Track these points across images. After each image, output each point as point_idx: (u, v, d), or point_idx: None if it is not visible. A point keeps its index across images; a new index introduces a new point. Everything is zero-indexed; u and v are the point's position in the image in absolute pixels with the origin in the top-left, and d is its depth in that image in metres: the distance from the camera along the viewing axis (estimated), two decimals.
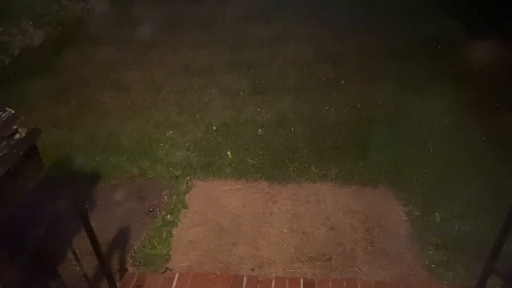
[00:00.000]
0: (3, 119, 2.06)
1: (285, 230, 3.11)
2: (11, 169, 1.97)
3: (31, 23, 5.39)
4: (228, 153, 3.86)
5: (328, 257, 2.87)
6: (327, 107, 4.44)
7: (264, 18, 6.42)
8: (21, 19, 5.26)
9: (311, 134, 4.06)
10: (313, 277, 2.73)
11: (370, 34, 5.84)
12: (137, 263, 2.89)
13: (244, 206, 3.33)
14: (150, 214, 3.32)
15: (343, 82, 4.83)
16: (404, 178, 3.49)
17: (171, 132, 4.16)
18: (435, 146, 3.76)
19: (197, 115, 4.42)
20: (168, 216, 3.26)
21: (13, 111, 2.15)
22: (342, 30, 5.95)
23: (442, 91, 4.53)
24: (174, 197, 3.45)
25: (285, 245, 2.99)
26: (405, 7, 6.55)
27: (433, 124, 4.04)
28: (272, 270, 2.80)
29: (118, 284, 2.66)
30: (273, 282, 2.68)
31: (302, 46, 5.59)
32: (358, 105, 4.42)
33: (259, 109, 4.48)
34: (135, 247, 3.01)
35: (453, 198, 3.23)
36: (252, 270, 2.80)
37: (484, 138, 3.85)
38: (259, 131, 4.15)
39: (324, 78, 4.91)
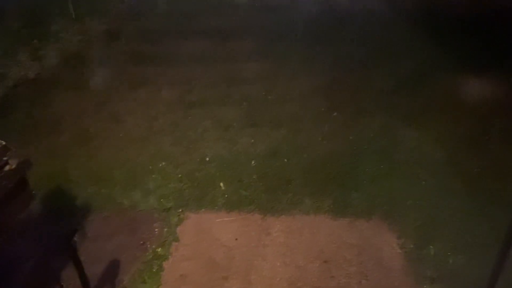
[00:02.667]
0: None
1: (278, 264, 3.07)
2: (0, 201, 1.95)
3: (27, 55, 5.45)
4: (221, 184, 3.85)
5: None
6: (320, 139, 4.47)
7: (258, 53, 6.53)
8: (18, 51, 5.32)
9: (305, 165, 4.07)
10: None
11: (361, 68, 5.94)
12: None
13: (236, 239, 3.29)
14: (140, 247, 3.26)
15: (335, 114, 4.88)
16: (398, 210, 3.48)
17: (163, 163, 4.15)
18: (427, 178, 3.78)
19: (191, 146, 4.42)
20: (159, 250, 3.20)
21: (4, 143, 2.15)
22: (334, 64, 6.06)
23: (433, 124, 4.58)
24: (166, 229, 3.41)
25: (278, 279, 2.94)
26: (396, 42, 6.73)
27: (425, 157, 4.07)
28: None
29: None
30: None
31: (295, 80, 5.67)
32: (351, 137, 4.45)
33: (252, 140, 4.50)
34: (124, 282, 2.94)
35: (447, 231, 3.22)
36: None
37: (475, 170, 3.87)
38: (253, 162, 4.15)
39: (317, 111, 4.96)
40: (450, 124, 4.59)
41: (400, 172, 3.89)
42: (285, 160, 4.15)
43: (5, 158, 2.05)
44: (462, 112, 4.79)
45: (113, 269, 3.04)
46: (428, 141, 4.31)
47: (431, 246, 3.11)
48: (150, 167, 4.12)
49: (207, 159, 4.19)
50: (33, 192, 2.84)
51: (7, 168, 2.01)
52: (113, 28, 7.58)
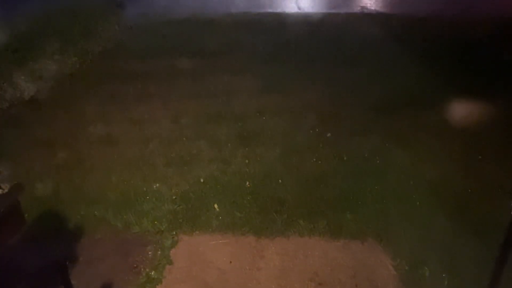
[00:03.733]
0: None
1: (273, 287, 3.04)
2: None
3: (22, 77, 5.47)
4: (215, 206, 3.84)
5: None
6: (314, 159, 4.48)
7: (252, 73, 6.60)
8: (13, 72, 5.34)
9: (299, 186, 4.07)
10: None
11: (354, 88, 6.02)
12: None
13: (230, 262, 3.26)
14: (133, 270, 3.23)
15: (329, 134, 4.91)
16: (392, 231, 3.48)
17: (157, 185, 4.13)
18: (421, 198, 3.79)
19: (185, 167, 4.42)
20: (152, 273, 3.17)
21: None
22: (328, 84, 6.14)
23: (426, 145, 4.62)
24: (159, 252, 3.38)
25: None
26: (388, 63, 6.84)
27: (418, 177, 4.08)
28: None
29: None
30: None
31: (289, 100, 5.72)
32: (345, 158, 4.47)
33: (247, 161, 4.50)
34: None
35: (441, 252, 3.21)
36: None
37: (469, 190, 3.89)
38: (247, 183, 4.15)
39: (311, 131, 4.99)
40: (443, 144, 4.63)
41: (393, 193, 3.89)
42: (279, 181, 4.15)
43: None
44: (455, 133, 4.83)
45: None
46: (421, 162, 4.33)
47: (426, 268, 3.10)
48: (144, 188, 4.10)
49: (201, 180, 4.18)
50: (25, 215, 2.82)
51: None
52: (108, 49, 7.66)
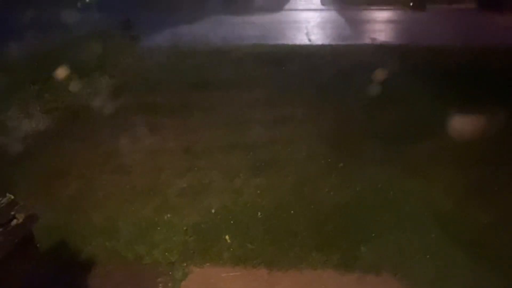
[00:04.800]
0: (2, 205, 2.07)
1: None
2: (5, 257, 1.93)
3: (38, 108, 5.60)
4: (227, 237, 3.79)
5: None
6: (327, 190, 4.44)
7: (264, 103, 6.68)
8: (29, 104, 5.47)
9: (312, 217, 4.01)
10: None
11: (366, 117, 6.03)
12: None
13: None
14: None
15: (341, 164, 4.88)
16: (408, 264, 3.39)
17: (169, 215, 4.11)
18: (437, 231, 3.70)
19: (196, 197, 4.41)
20: None
21: (12, 197, 2.16)
22: (340, 114, 6.17)
23: (440, 174, 4.56)
24: (170, 284, 3.32)
25: None
26: (400, 92, 6.87)
27: (433, 208, 4.00)
28: None
29: None
30: None
31: (301, 130, 5.74)
32: (358, 188, 4.42)
33: (259, 191, 4.48)
34: None
35: (458, 286, 3.11)
36: None
37: (486, 221, 3.80)
38: (259, 214, 4.11)
39: (323, 161, 4.97)
40: (458, 174, 4.56)
41: (408, 224, 3.82)
42: (292, 211, 4.11)
43: (12, 213, 2.05)
44: (470, 162, 4.77)
45: None
46: (436, 192, 4.27)
47: None
48: (156, 219, 4.08)
49: (213, 210, 4.16)
50: (38, 245, 2.81)
51: (14, 222, 2.01)
52: (122, 81, 7.84)
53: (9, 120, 5.20)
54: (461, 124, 5.59)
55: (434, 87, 6.93)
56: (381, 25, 13.76)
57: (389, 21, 14.39)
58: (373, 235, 3.73)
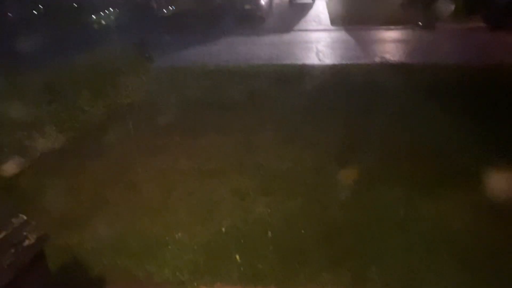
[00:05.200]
0: (15, 226, 2.12)
1: None
2: (16, 277, 1.96)
3: (54, 127, 5.72)
4: (237, 256, 3.79)
5: None
6: (337, 209, 4.42)
7: (274, 122, 6.74)
8: (45, 124, 5.60)
9: (322, 237, 3.99)
10: None
11: (376, 136, 6.03)
12: None
13: None
14: None
15: (352, 183, 4.87)
16: (419, 285, 3.35)
17: (179, 234, 4.13)
18: (449, 251, 3.65)
19: (207, 216, 4.43)
20: None
21: (25, 217, 2.21)
22: (349, 132, 6.18)
23: (452, 194, 4.51)
24: None
25: None
26: (411, 112, 6.87)
27: (445, 228, 3.96)
28: None
29: None
30: None
31: (311, 149, 5.76)
32: (368, 207, 4.40)
33: (269, 210, 4.48)
34: None
35: None
36: None
37: (499, 243, 3.74)
38: (269, 233, 4.11)
39: (333, 179, 4.97)
40: (470, 194, 4.51)
41: (419, 244, 3.78)
42: (302, 231, 4.10)
43: (24, 233, 2.09)
44: (482, 182, 4.72)
45: None
46: (447, 212, 4.22)
47: None
48: (166, 237, 4.11)
49: (223, 229, 4.17)
50: (50, 264, 2.85)
51: (26, 243, 2.05)
52: (136, 101, 7.98)
53: (25, 139, 5.33)
54: (473, 145, 5.56)
55: (446, 106, 6.92)
56: (391, 44, 13.83)
57: (399, 41, 14.45)
58: (384, 255, 3.69)
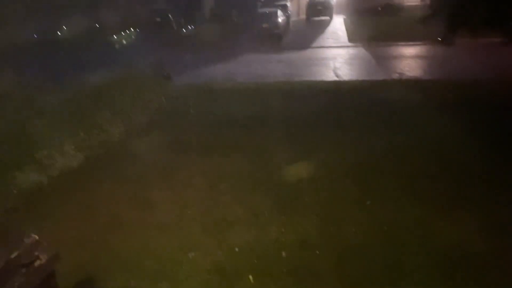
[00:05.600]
0: (27, 246, 2.14)
1: None
2: None
3: (72, 146, 5.84)
4: (250, 277, 3.74)
5: None
6: (353, 229, 4.34)
7: (289, 140, 6.72)
8: (64, 142, 5.72)
9: (337, 258, 3.91)
10: None
11: (393, 154, 5.94)
12: None
13: None
14: None
15: (368, 202, 4.79)
16: None
17: (193, 253, 4.12)
18: (468, 273, 3.53)
19: (220, 235, 4.40)
20: None
21: (36, 237, 2.24)
22: (366, 151, 6.11)
23: (472, 214, 4.39)
24: None
25: None
26: (427, 128, 6.77)
27: (464, 249, 3.84)
28: None
29: None
30: None
31: (326, 167, 5.70)
32: (385, 227, 4.31)
33: (283, 229, 4.43)
34: None
35: None
36: None
37: None
38: (283, 253, 4.05)
39: (349, 199, 4.90)
40: (490, 214, 4.38)
41: (439, 266, 3.66)
42: (317, 251, 4.03)
43: (36, 253, 2.11)
44: (503, 201, 4.59)
45: None
46: (467, 233, 4.09)
47: None
48: (180, 256, 4.09)
49: (236, 249, 4.13)
50: (64, 283, 2.87)
51: (37, 263, 2.07)
52: (154, 119, 8.10)
53: (45, 158, 5.45)
54: (491, 162, 5.43)
55: (462, 123, 6.80)
56: (409, 60, 13.73)
57: (417, 57, 14.34)
58: (402, 276, 3.59)
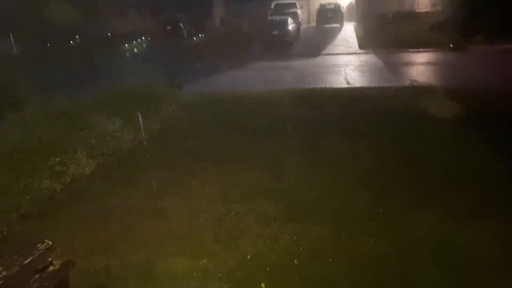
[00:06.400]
0: (40, 251, 2.15)
1: None
2: None
3: (85, 153, 5.87)
4: (262, 285, 3.71)
5: None
6: (366, 237, 4.29)
7: (301, 148, 6.69)
8: (77, 150, 5.75)
9: (350, 267, 3.86)
10: None
11: (407, 163, 5.88)
12: None
13: None
14: None
15: (381, 210, 4.73)
16: None
17: (205, 261, 4.10)
18: (485, 283, 3.45)
19: (232, 243, 4.38)
20: None
21: (50, 243, 2.24)
22: (378, 159, 6.06)
23: (488, 223, 4.30)
24: None
25: None
26: (441, 137, 6.69)
27: (481, 260, 3.76)
28: None
29: None
30: None
31: (338, 174, 5.66)
32: (399, 236, 4.25)
33: (295, 237, 4.39)
34: None
35: None
36: None
37: None
38: (295, 261, 4.01)
39: (362, 207, 4.84)
40: (505, 224, 4.29)
41: (454, 276, 3.59)
42: (329, 260, 3.98)
43: (50, 259, 2.11)
44: None
45: None
46: (484, 242, 4.02)
47: None
48: (192, 264, 4.08)
49: (248, 257, 4.11)
50: None
51: (50, 269, 2.07)
52: (165, 127, 8.13)
53: (57, 165, 5.48)
54: (506, 171, 5.34)
55: (477, 131, 6.71)
56: (420, 67, 13.65)
57: (429, 64, 14.25)
58: (416, 286, 3.53)
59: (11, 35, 20.10)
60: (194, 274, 3.94)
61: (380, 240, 4.21)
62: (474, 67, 12.73)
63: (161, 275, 3.97)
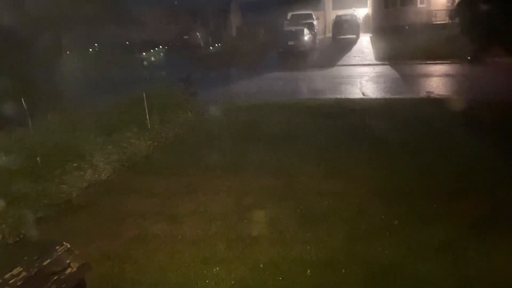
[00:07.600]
0: (59, 253, 2.19)
1: None
2: None
3: (102, 159, 5.98)
4: None
5: None
6: (380, 248, 4.25)
7: (315, 155, 6.69)
8: (94, 155, 5.87)
9: (364, 278, 3.83)
10: None
11: (423, 173, 5.82)
12: None
13: None
14: None
15: (396, 222, 4.69)
16: None
17: (217, 268, 4.11)
18: None
19: (245, 251, 4.38)
20: None
21: (68, 245, 2.29)
22: (394, 169, 6.01)
23: (506, 235, 4.23)
24: None
25: None
26: (457, 146, 6.62)
27: (498, 274, 3.69)
28: None
29: None
30: None
31: (352, 184, 5.64)
32: (414, 248, 4.20)
33: (308, 247, 4.38)
34: None
35: None
36: None
37: None
38: (308, 271, 3.99)
39: (376, 217, 4.80)
40: None
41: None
42: (343, 270, 3.95)
43: (68, 261, 2.15)
44: None
45: None
46: (503, 255, 3.94)
47: None
48: (204, 271, 4.09)
49: (261, 265, 4.10)
50: None
51: (68, 271, 2.11)
52: (181, 134, 8.22)
53: (75, 170, 5.59)
54: None
55: (493, 141, 6.61)
56: (437, 79, 13.53)
57: (446, 75, 14.12)
58: None
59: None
60: (207, 281, 3.95)
61: (394, 251, 4.14)
62: (491, 79, 12.57)
63: (174, 282, 3.99)
